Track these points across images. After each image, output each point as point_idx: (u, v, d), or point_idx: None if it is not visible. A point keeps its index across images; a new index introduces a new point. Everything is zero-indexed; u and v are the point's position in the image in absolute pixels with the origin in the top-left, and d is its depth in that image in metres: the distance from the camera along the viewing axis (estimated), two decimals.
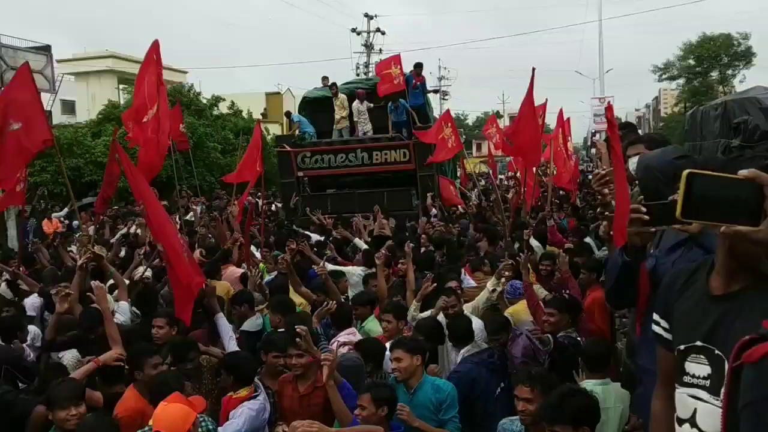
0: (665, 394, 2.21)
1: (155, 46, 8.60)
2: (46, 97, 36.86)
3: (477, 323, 5.92)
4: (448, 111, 15.57)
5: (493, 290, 6.46)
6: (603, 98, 43.19)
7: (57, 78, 36.28)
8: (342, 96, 16.97)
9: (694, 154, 7.31)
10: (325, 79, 17.81)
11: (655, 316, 2.22)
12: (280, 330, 5.65)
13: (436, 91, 24.09)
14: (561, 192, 16.96)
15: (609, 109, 5.15)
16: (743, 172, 1.47)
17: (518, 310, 6.47)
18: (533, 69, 11.56)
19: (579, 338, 5.57)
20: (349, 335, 5.74)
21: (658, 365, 2.30)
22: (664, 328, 2.18)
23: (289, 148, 16.88)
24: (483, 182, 22.94)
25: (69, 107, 40.63)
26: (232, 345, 5.64)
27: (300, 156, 16.75)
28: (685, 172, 1.53)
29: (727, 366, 1.42)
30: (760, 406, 1.04)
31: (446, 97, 57.19)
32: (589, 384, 4.48)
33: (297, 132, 17.41)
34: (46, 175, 23.34)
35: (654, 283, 2.86)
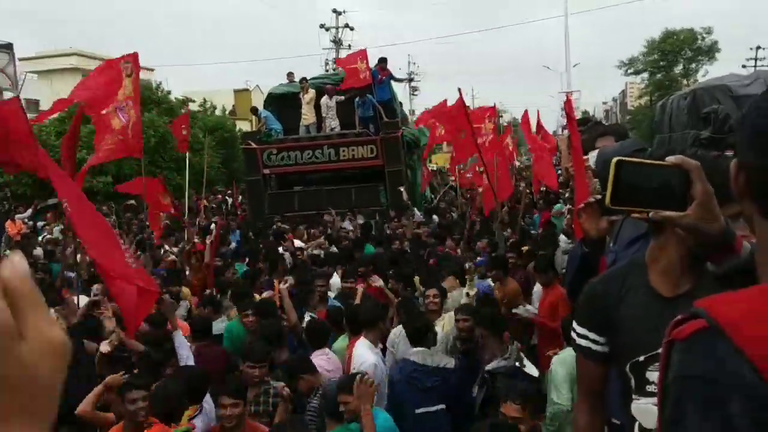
0: (590, 407, 2.20)
1: (135, 59, 8.25)
2: (9, 96, 35.99)
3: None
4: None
5: (467, 294, 6.26)
6: (570, 92, 43.31)
7: (20, 76, 35.42)
8: (312, 91, 16.53)
9: (662, 147, 7.04)
10: (290, 74, 17.39)
11: (580, 329, 2.15)
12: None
13: (409, 80, 23.58)
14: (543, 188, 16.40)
15: (567, 102, 4.98)
16: (670, 159, 1.50)
17: None
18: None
19: (523, 366, 4.76)
20: (321, 357, 5.23)
21: (580, 379, 2.26)
22: (593, 341, 2.11)
23: (254, 145, 16.41)
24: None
25: (33, 106, 39.56)
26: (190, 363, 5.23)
27: (266, 153, 16.30)
28: (614, 159, 1.52)
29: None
30: (684, 383, 1.04)
31: (416, 93, 56.96)
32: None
33: (263, 129, 16.96)
34: (9, 177, 22.55)
35: None
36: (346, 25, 41.97)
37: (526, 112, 15.54)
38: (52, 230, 15.98)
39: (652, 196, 1.52)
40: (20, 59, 37.05)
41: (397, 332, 5.55)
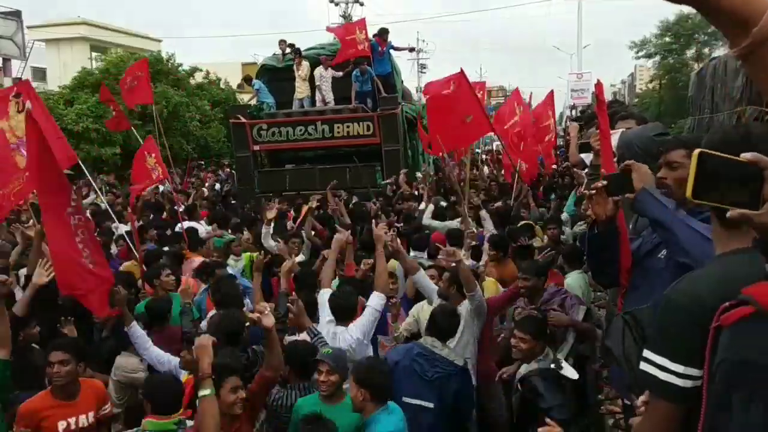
0: None
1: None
2: (16, 64, 34.57)
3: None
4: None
5: None
6: (581, 74, 41.50)
7: (27, 44, 33.94)
8: (305, 63, 14.86)
9: (700, 131, 5.68)
10: (282, 42, 15.63)
11: (658, 358, 1.58)
12: None
13: (412, 49, 21.76)
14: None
15: (599, 86, 3.98)
16: (746, 155, 1.40)
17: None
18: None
19: (560, 368, 4.11)
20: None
21: (653, 424, 1.65)
22: (677, 374, 1.53)
23: (244, 120, 14.78)
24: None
25: (40, 74, 38.10)
26: (150, 356, 4.64)
27: (256, 128, 14.66)
28: (697, 151, 1.46)
29: None
30: (729, 366, 1.05)
31: (424, 70, 54.95)
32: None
33: (255, 101, 15.35)
34: None
35: (635, 260, 2.84)
36: (356, 0, 40.05)
37: (530, 94, 13.90)
38: None
39: (729, 190, 1.45)
40: (28, 27, 35.57)
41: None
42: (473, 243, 6.93)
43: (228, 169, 23.25)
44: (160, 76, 26.37)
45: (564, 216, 8.49)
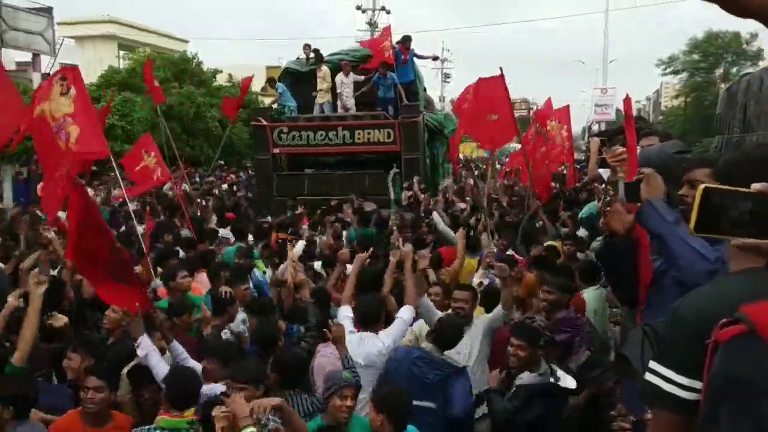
0: None
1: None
2: (45, 60, 34.97)
3: None
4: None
5: (480, 283, 5.91)
6: (605, 89, 41.16)
7: (57, 41, 34.31)
8: (325, 68, 14.81)
9: (728, 150, 5.50)
10: (306, 47, 15.59)
11: (664, 370, 1.60)
12: None
13: (436, 58, 21.64)
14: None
15: (627, 101, 3.79)
16: (756, 186, 1.42)
17: None
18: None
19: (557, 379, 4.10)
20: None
21: None
22: (681, 386, 1.54)
23: (264, 122, 14.74)
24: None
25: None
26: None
27: (276, 131, 14.62)
28: (701, 187, 1.48)
29: None
30: (720, 380, 1.09)
31: (448, 80, 54.86)
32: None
33: (276, 104, 15.31)
34: None
35: (654, 278, 2.80)
36: (383, 8, 40.05)
37: (548, 99, 13.46)
38: None
39: (738, 222, 1.45)
40: (58, 23, 35.94)
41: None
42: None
43: (250, 172, 23.33)
44: (185, 76, 26.53)
45: (581, 231, 8.32)
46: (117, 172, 8.62)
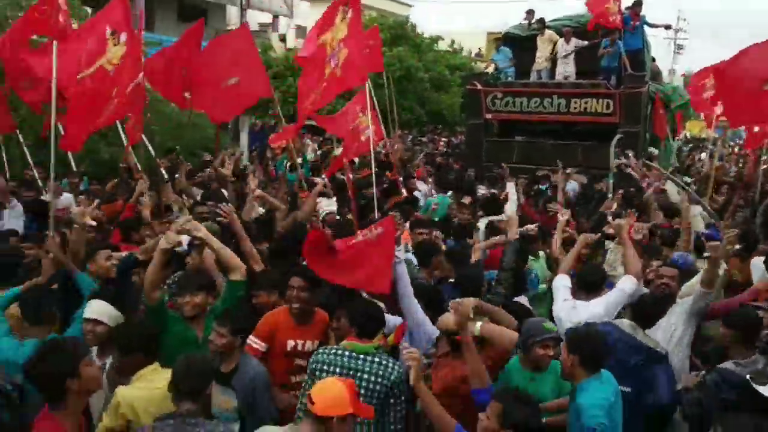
0: None
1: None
2: (284, 22, 37.89)
3: None
4: None
5: None
6: None
7: (295, 4, 36.93)
8: (549, 32, 14.32)
9: None
10: (529, 13, 15.18)
11: None
12: None
13: (668, 27, 19.98)
14: None
15: None
16: None
17: None
18: None
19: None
20: None
21: None
22: None
23: (479, 87, 14.70)
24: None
25: (302, 33, 41.26)
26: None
27: (490, 96, 14.50)
28: None
29: None
30: None
31: (680, 51, 50.34)
32: None
33: (492, 69, 15.18)
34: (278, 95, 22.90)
35: None
36: None
37: None
38: None
39: None
40: None
41: None
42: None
43: (461, 138, 23.47)
44: (401, 41, 27.07)
45: None
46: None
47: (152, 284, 3.98)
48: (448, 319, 3.67)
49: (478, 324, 3.70)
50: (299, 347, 4.28)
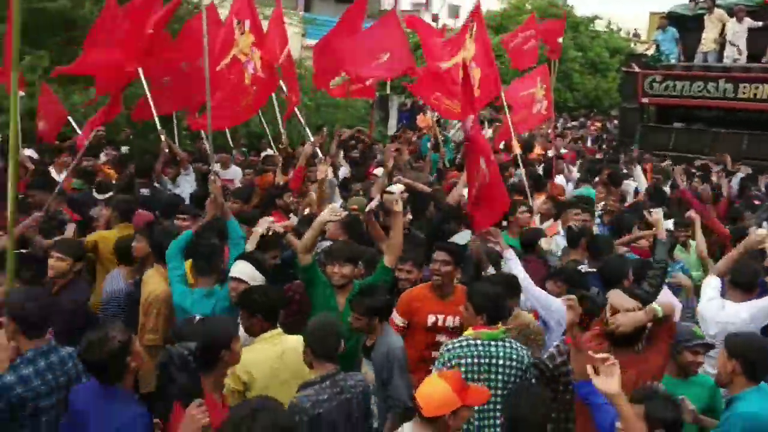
0: None
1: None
2: (437, 1, 38.08)
3: None
4: None
5: None
6: None
7: None
8: (719, 11, 13.36)
9: None
10: None
11: None
12: None
13: None
14: None
15: None
16: None
17: None
18: None
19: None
20: None
21: None
22: None
23: (637, 69, 14.05)
24: None
25: (454, 11, 41.11)
26: None
27: (648, 79, 13.83)
28: None
29: None
30: None
31: None
32: None
33: (652, 51, 14.45)
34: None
35: None
36: None
37: None
38: None
39: None
40: None
41: None
42: None
43: (599, 124, 22.52)
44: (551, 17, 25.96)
45: None
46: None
47: (306, 248, 4.31)
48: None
49: (656, 306, 3.40)
50: (440, 322, 4.31)
